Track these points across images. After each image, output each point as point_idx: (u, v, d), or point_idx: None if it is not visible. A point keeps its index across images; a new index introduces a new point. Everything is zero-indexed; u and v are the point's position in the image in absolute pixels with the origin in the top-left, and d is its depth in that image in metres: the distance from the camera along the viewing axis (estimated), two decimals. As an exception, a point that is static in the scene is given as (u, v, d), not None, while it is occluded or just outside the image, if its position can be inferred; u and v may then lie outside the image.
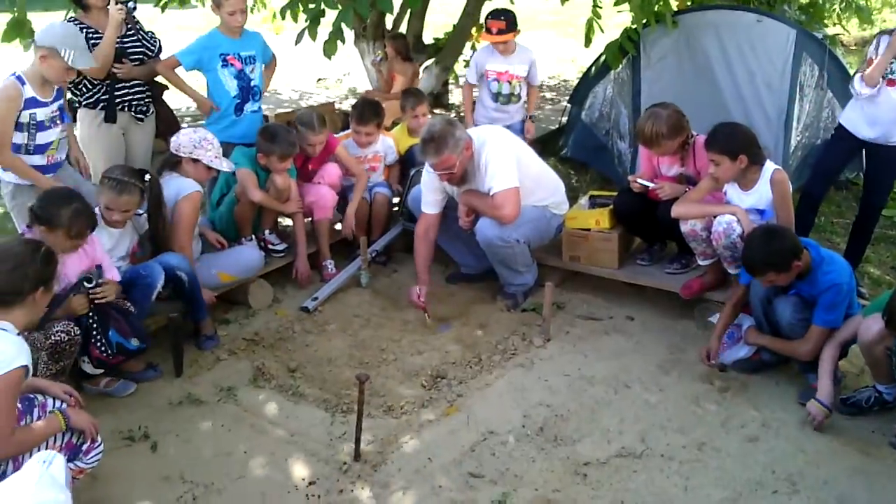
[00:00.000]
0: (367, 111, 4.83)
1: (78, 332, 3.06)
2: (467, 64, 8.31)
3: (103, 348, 3.24)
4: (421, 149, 3.95)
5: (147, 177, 3.60)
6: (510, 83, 5.29)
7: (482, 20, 6.69)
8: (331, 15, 4.63)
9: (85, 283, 3.19)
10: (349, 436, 3.08)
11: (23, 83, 3.60)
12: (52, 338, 2.95)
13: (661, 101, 4.07)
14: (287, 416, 3.28)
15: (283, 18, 4.72)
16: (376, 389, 3.43)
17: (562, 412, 3.28)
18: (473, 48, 8.13)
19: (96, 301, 3.22)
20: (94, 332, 3.22)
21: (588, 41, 6.18)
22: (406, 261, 4.59)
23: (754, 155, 3.57)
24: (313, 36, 4.58)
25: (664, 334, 3.92)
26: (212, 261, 4.02)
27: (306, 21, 4.62)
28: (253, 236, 4.41)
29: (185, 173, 3.90)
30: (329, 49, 4.57)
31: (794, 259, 3.13)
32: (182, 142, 3.89)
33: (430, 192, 4.19)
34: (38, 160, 3.73)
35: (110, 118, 4.35)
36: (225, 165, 3.99)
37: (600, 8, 5.99)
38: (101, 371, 3.32)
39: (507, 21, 5.12)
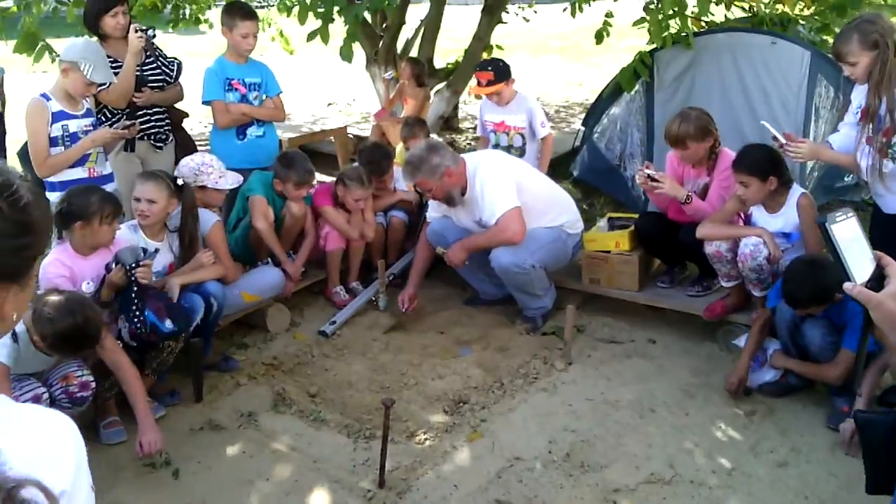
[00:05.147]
0: (384, 162, 4.80)
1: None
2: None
3: (138, 324, 3.23)
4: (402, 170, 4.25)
5: (180, 182, 3.63)
6: (507, 134, 4.95)
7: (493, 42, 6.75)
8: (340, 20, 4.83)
9: (127, 264, 3.26)
10: (372, 462, 3.04)
11: (47, 98, 3.73)
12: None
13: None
14: (309, 442, 3.24)
15: (288, 15, 4.82)
16: (398, 415, 3.38)
17: (588, 437, 3.23)
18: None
19: (138, 279, 3.24)
20: (134, 307, 3.22)
21: (599, 41, 6.16)
22: (424, 284, 4.57)
23: (783, 177, 3.55)
24: (325, 39, 4.73)
25: (687, 357, 3.88)
26: (235, 282, 4.01)
27: (316, 18, 4.77)
28: (269, 260, 4.40)
29: (200, 203, 3.90)
30: (346, 52, 4.68)
31: (838, 290, 3.09)
32: (184, 172, 3.87)
33: (434, 204, 4.39)
34: (80, 173, 3.84)
35: (130, 147, 4.34)
36: (230, 181, 3.99)
37: (611, 17, 6.01)
38: (135, 344, 3.29)
39: (494, 71, 4.78)
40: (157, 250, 3.52)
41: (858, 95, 3.44)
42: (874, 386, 3.17)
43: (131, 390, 3.08)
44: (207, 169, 3.91)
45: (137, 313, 3.23)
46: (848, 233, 1.27)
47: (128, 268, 3.22)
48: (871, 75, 3.22)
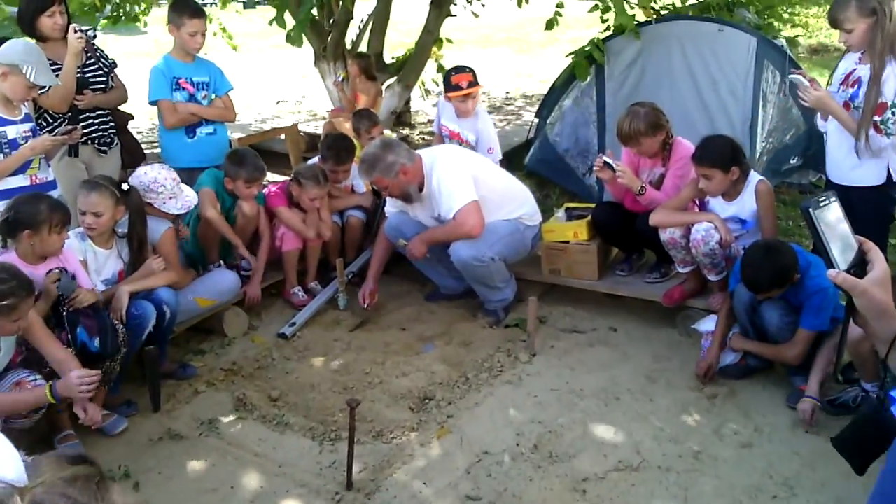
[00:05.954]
0: (344, 153, 4.69)
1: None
2: (436, 83, 8.35)
3: (68, 343, 3.11)
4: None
5: (125, 187, 3.50)
6: (461, 145, 4.82)
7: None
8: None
9: (62, 291, 3.15)
10: (339, 464, 3.00)
11: None
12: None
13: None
14: (273, 447, 3.17)
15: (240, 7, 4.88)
16: (363, 414, 3.33)
17: (554, 428, 3.23)
18: (440, 66, 8.10)
19: (71, 305, 3.15)
20: (65, 325, 3.13)
21: (549, 27, 6.18)
22: (384, 281, 4.51)
23: (743, 165, 3.60)
24: (282, 24, 4.90)
25: (648, 344, 3.91)
26: (188, 287, 3.90)
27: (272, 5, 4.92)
28: (222, 262, 4.30)
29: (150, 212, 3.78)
30: (294, 36, 4.81)
31: (795, 272, 3.15)
32: (135, 184, 3.69)
33: (392, 199, 4.31)
34: (21, 181, 3.60)
35: (73, 152, 4.15)
36: (180, 204, 3.76)
37: (562, 7, 6.04)
38: None
39: (472, 73, 4.72)
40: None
41: (845, 63, 3.53)
42: (830, 363, 3.22)
43: (52, 353, 2.96)
44: (158, 188, 3.69)
45: (68, 329, 3.14)
46: (831, 218, 1.26)
47: (60, 295, 3.14)
48: (871, 43, 3.30)
